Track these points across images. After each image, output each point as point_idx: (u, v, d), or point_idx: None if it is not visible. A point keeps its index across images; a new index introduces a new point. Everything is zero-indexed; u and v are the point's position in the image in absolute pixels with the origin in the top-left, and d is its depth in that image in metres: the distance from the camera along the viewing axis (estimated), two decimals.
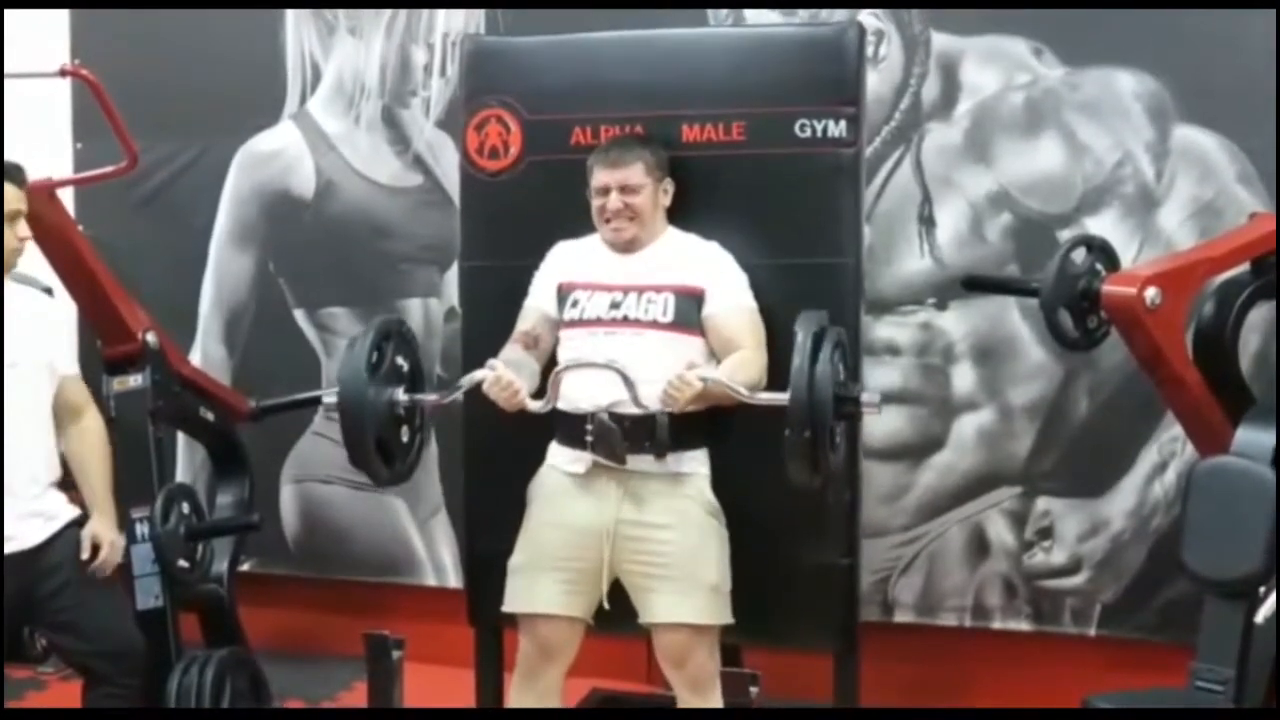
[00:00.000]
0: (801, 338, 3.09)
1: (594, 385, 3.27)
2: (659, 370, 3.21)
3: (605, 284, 3.38)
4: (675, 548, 3.29)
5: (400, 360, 3.40)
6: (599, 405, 3.27)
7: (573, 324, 3.39)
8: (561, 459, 3.38)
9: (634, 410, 3.23)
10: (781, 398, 3.07)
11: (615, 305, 3.34)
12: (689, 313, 3.32)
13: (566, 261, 3.49)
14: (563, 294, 3.43)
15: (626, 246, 3.40)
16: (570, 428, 3.33)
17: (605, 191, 3.36)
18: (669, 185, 3.44)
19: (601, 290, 3.37)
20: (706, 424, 3.33)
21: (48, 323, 3.51)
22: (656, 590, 3.32)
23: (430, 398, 3.44)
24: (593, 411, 3.27)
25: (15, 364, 3.32)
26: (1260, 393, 3.70)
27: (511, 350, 3.41)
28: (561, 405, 3.31)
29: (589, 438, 3.28)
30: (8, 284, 3.41)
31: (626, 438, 3.26)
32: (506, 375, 3.23)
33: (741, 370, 3.25)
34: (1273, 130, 3.95)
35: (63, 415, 3.49)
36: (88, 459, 3.52)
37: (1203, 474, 3.44)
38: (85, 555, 3.39)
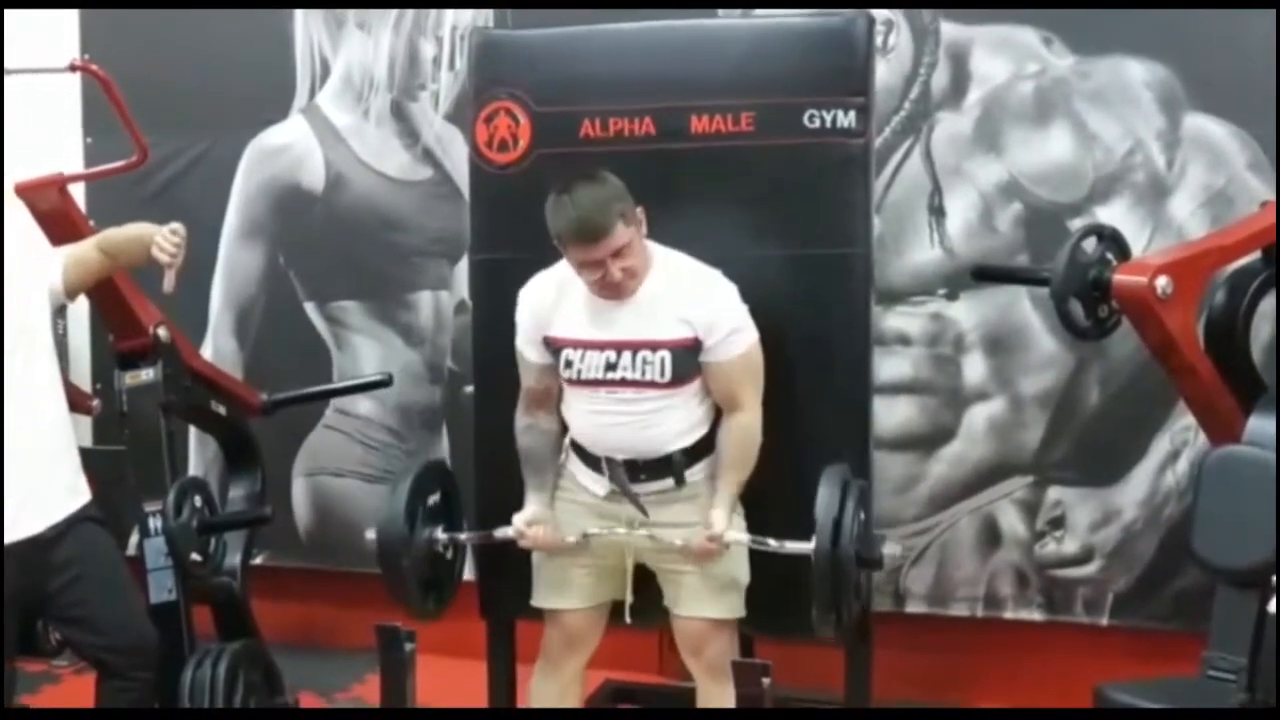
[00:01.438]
0: (825, 495, 3.15)
1: (608, 443, 3.32)
2: (662, 426, 3.27)
3: (597, 341, 3.26)
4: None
5: (434, 498, 3.52)
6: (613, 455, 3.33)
7: (571, 382, 3.33)
8: (583, 475, 3.42)
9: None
10: (806, 547, 3.14)
11: (611, 366, 3.25)
12: (686, 364, 3.24)
13: (544, 309, 3.34)
14: (552, 348, 3.33)
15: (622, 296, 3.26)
16: (588, 457, 3.38)
17: (598, 264, 3.15)
18: (640, 214, 3.23)
19: (594, 349, 3.26)
20: (713, 437, 3.36)
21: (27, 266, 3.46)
22: (679, 583, 3.37)
23: (466, 536, 3.56)
24: (607, 457, 3.33)
25: (12, 336, 3.31)
26: (1272, 381, 3.69)
27: (528, 434, 3.42)
28: (579, 439, 3.38)
29: (605, 471, 3.35)
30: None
31: (643, 471, 3.31)
32: (533, 535, 3.36)
33: (742, 464, 3.30)
34: None
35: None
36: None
37: (1213, 463, 3.44)
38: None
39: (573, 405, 3.37)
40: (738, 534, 3.30)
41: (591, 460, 3.37)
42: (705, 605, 3.36)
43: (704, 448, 3.35)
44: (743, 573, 3.40)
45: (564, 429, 3.43)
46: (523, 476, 3.45)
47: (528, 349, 3.39)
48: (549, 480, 3.43)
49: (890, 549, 3.24)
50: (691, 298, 3.24)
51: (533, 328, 3.36)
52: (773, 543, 3.27)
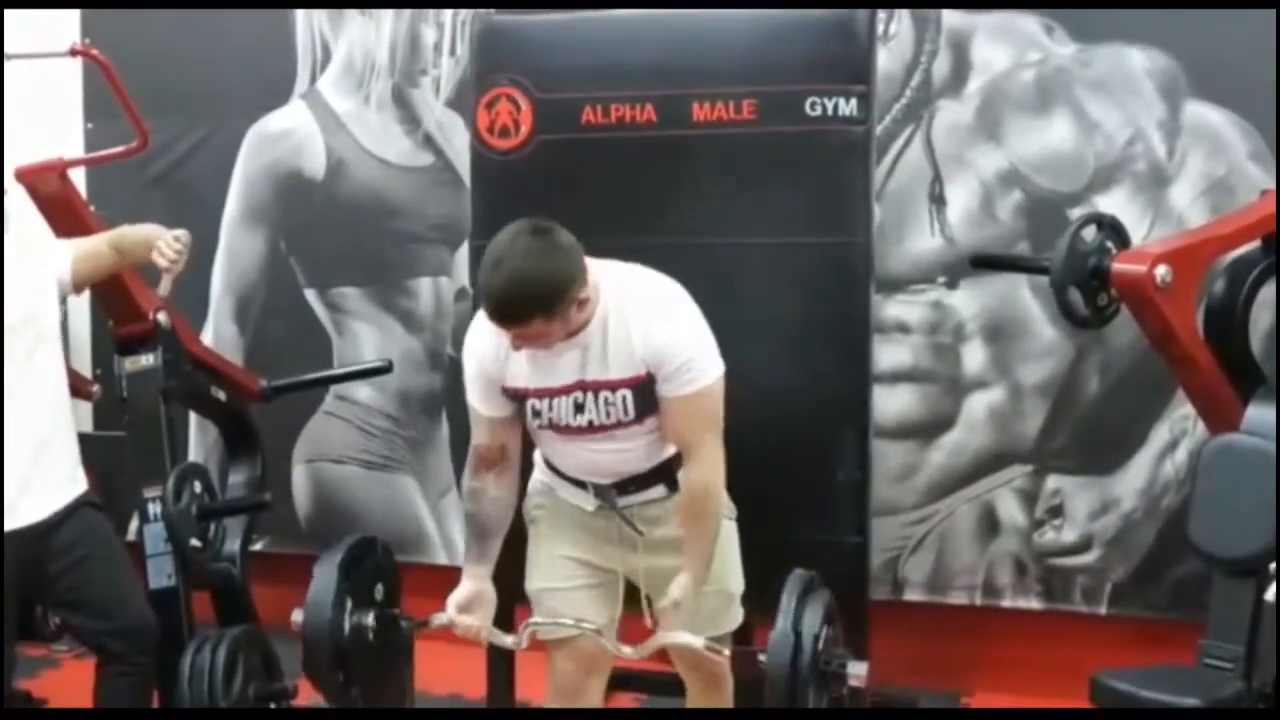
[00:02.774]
0: (785, 603, 2.88)
1: (592, 473, 3.11)
2: (643, 451, 3.05)
3: (557, 387, 2.99)
4: None
5: (375, 581, 3.26)
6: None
7: (544, 428, 3.08)
8: (568, 493, 3.20)
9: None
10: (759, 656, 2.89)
11: (579, 408, 2.99)
12: (647, 397, 2.98)
13: (491, 360, 3.04)
14: (513, 398, 3.06)
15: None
16: (571, 479, 3.18)
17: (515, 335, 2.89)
18: (583, 290, 2.87)
19: (559, 395, 3.00)
20: None
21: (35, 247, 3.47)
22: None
23: (407, 624, 3.26)
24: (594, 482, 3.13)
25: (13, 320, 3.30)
26: (1272, 371, 3.69)
27: (476, 499, 3.13)
28: (560, 466, 3.17)
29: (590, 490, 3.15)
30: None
31: (632, 483, 3.10)
32: (464, 624, 3.06)
33: (702, 535, 3.00)
34: None
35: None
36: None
37: (1211, 452, 3.44)
38: None
39: (548, 444, 3.14)
40: (689, 637, 2.98)
41: (576, 481, 3.16)
42: (701, 628, 3.09)
43: None
44: (736, 584, 3.24)
45: (515, 497, 3.18)
46: (466, 538, 3.22)
47: (482, 401, 3.09)
48: (493, 550, 3.15)
49: (856, 668, 2.93)
50: (641, 333, 2.93)
51: (483, 381, 3.07)
52: (716, 656, 3.00)
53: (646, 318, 2.94)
